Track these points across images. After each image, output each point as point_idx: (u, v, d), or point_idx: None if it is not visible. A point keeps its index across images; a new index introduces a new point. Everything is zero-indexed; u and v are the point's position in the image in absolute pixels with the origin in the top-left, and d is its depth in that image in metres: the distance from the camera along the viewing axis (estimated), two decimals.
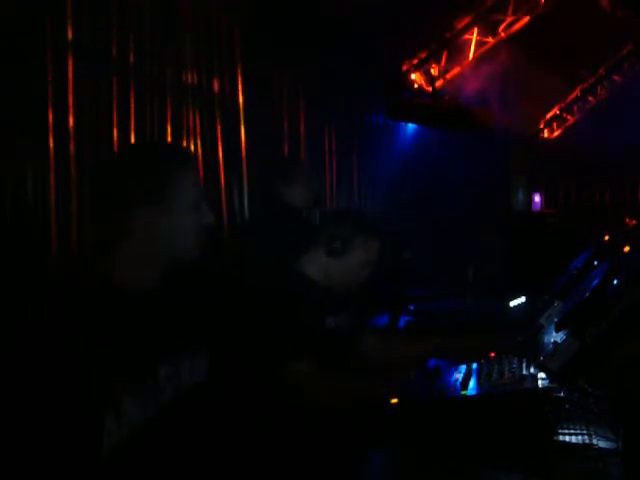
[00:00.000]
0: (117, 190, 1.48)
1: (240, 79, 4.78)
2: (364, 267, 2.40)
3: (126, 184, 1.48)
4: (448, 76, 7.02)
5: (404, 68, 6.82)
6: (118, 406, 1.33)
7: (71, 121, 3.37)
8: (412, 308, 3.96)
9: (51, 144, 3.27)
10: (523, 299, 3.34)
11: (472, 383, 2.08)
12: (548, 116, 9.59)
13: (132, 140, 3.82)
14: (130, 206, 1.47)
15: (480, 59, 6.94)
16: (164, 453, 1.47)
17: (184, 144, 4.28)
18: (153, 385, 1.44)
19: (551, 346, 2.15)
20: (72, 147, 3.37)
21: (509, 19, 6.73)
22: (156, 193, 1.48)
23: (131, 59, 3.86)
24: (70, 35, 3.40)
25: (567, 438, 1.75)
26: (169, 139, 4.15)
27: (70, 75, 3.39)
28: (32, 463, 1.26)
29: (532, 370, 2.10)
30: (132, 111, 3.84)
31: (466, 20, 6.64)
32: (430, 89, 6.92)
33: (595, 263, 2.80)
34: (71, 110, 3.38)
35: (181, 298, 1.62)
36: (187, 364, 1.56)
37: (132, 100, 3.86)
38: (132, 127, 3.84)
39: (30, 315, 1.36)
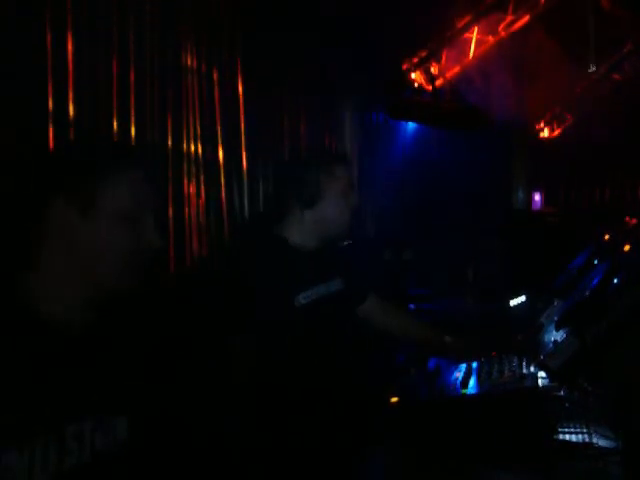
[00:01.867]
0: (38, 180, 1.25)
1: (240, 78, 4.78)
2: (344, 206, 2.19)
3: (48, 174, 1.24)
4: (448, 75, 7.01)
5: (404, 67, 6.80)
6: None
7: None
8: (412, 307, 3.96)
9: None
10: (523, 298, 3.34)
11: (472, 382, 2.09)
12: (548, 115, 9.58)
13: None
14: (48, 199, 1.21)
15: (480, 58, 6.93)
16: None
17: (184, 150, 4.28)
18: (54, 445, 1.13)
19: (551, 345, 2.15)
20: None
21: (509, 18, 6.72)
22: (76, 190, 1.20)
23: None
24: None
25: (567, 437, 1.75)
26: (169, 137, 4.15)
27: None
28: None
29: (532, 369, 2.10)
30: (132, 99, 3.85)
31: (466, 19, 6.63)
32: (430, 88, 6.91)
33: (595, 262, 2.80)
34: None
35: (110, 339, 1.32)
36: (107, 424, 1.24)
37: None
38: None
39: None
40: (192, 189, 4.33)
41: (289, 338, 2.02)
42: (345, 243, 2.27)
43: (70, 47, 3.40)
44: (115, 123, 3.72)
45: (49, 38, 3.30)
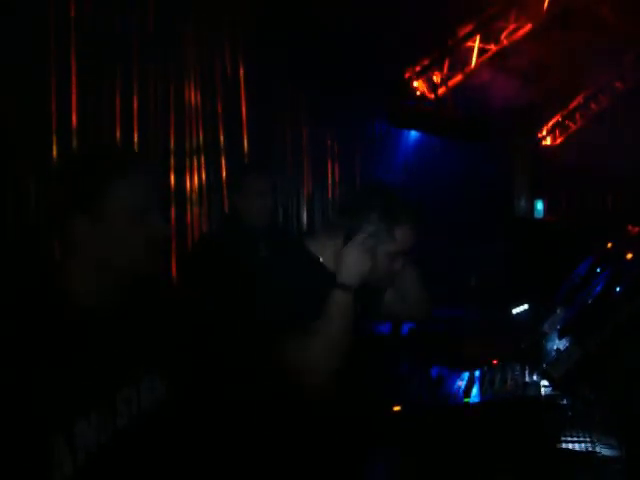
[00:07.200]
0: (54, 197, 1.41)
1: (243, 89, 4.81)
2: (391, 260, 1.92)
3: (60, 190, 1.40)
4: (450, 83, 7.02)
5: (406, 75, 6.82)
6: (71, 432, 1.25)
7: None
8: None
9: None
10: (526, 306, 3.33)
11: (475, 390, 2.09)
12: (551, 123, 9.60)
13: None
14: (63, 213, 1.38)
15: (483, 66, 6.94)
16: None
17: (187, 152, 4.30)
18: (110, 408, 1.35)
19: (554, 353, 2.15)
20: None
21: (511, 26, 6.74)
22: (86, 200, 1.36)
23: None
24: None
25: (570, 446, 1.74)
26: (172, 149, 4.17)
27: None
28: None
29: (535, 377, 2.10)
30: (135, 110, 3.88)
31: (468, 27, 6.65)
32: (432, 96, 6.92)
33: (598, 270, 2.80)
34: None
35: (140, 316, 1.51)
36: (147, 386, 1.46)
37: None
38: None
39: None
40: (194, 194, 4.35)
41: None
42: None
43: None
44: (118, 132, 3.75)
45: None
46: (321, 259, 1.97)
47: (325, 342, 1.78)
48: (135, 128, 3.85)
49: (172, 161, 4.17)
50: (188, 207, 4.31)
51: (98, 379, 1.33)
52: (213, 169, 4.53)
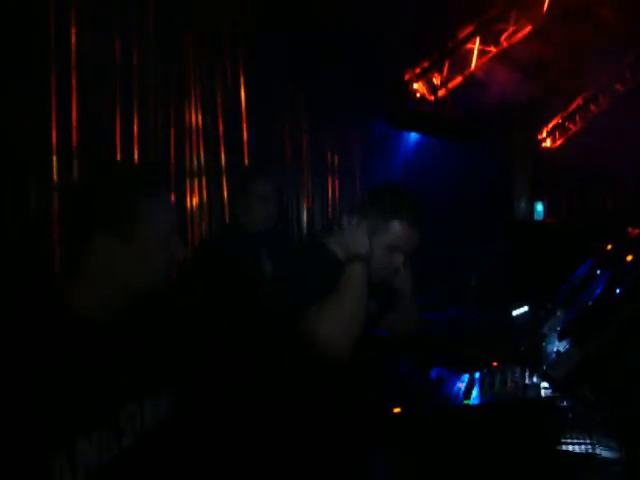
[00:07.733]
0: (78, 214, 1.35)
1: (242, 91, 4.81)
2: (391, 255, 1.95)
3: (87, 209, 1.33)
4: (450, 85, 7.02)
5: (406, 77, 6.81)
6: (72, 450, 1.19)
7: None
8: None
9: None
10: (526, 308, 3.33)
11: (475, 392, 2.08)
12: (550, 125, 9.60)
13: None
14: (89, 232, 1.32)
15: (482, 68, 6.93)
16: None
17: (186, 154, 4.30)
18: (113, 428, 1.30)
19: (554, 355, 2.15)
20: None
21: (511, 28, 6.73)
22: (117, 223, 1.32)
23: None
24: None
25: (570, 447, 1.74)
26: (172, 151, 4.17)
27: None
28: None
29: (535, 379, 2.10)
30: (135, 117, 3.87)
31: (468, 29, 6.64)
32: (432, 98, 6.92)
33: (598, 272, 2.80)
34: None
35: (146, 333, 1.47)
36: (151, 404, 1.41)
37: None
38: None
39: None
40: (195, 203, 4.37)
41: None
42: None
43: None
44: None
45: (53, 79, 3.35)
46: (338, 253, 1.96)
47: (340, 314, 1.76)
48: (135, 133, 3.87)
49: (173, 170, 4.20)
50: (188, 223, 4.33)
51: (101, 395, 1.28)
52: (212, 172, 4.54)
